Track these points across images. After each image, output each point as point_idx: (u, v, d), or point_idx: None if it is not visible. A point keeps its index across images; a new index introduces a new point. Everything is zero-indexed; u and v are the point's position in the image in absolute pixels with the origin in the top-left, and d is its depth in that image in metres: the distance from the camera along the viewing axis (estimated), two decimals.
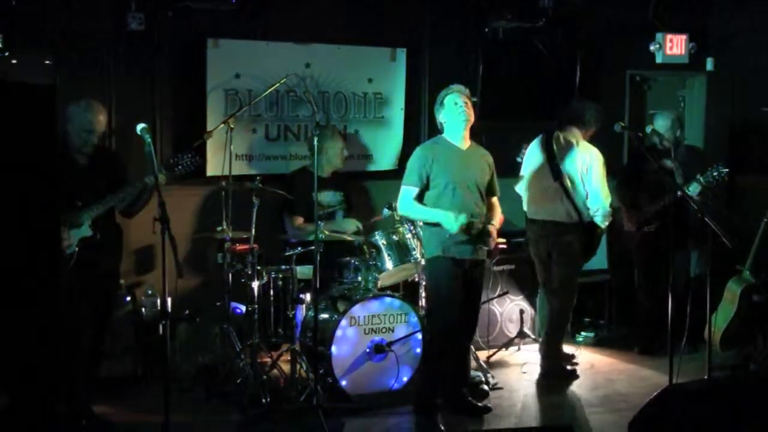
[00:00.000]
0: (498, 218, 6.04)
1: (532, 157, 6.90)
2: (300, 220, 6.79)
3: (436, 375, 5.90)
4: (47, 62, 6.50)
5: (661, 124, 7.38)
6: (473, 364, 6.54)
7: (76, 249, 5.37)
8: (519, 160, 7.21)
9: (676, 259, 6.13)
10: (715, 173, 6.91)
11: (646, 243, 7.35)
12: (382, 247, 6.36)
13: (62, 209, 5.23)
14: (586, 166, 6.62)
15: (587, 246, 6.75)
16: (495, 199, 6.07)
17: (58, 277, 4.55)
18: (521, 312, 7.54)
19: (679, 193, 6.35)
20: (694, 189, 6.84)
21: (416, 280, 6.67)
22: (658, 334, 7.29)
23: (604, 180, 6.64)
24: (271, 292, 6.47)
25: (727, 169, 6.96)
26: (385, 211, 6.59)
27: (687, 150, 7.62)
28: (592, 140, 6.84)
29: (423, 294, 6.50)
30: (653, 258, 7.33)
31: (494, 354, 7.31)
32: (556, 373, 6.83)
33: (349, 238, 6.53)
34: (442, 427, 5.57)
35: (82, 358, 5.56)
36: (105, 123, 5.79)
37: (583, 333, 7.92)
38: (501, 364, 7.16)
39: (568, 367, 6.96)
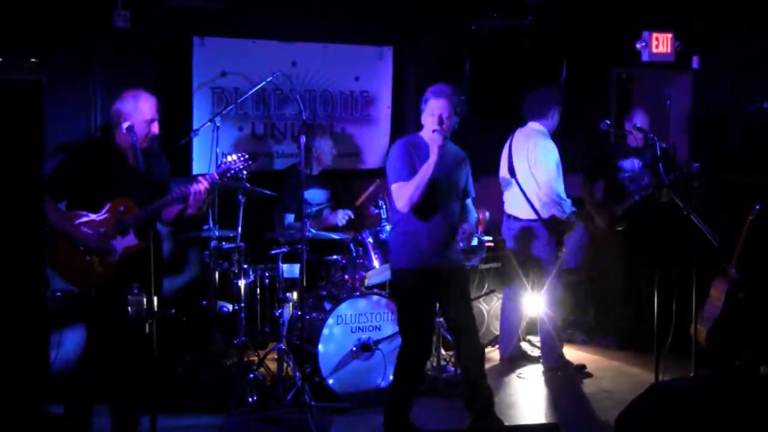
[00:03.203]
0: None
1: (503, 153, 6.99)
2: (290, 219, 6.79)
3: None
4: (33, 60, 6.47)
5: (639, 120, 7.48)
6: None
7: (117, 258, 4.96)
8: None
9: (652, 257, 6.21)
10: (684, 170, 7.07)
11: (616, 241, 7.44)
12: (369, 246, 6.35)
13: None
14: (533, 159, 6.66)
15: (556, 240, 6.76)
16: None
17: (44, 277, 4.50)
18: None
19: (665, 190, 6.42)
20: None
21: None
22: (635, 329, 7.36)
23: (551, 173, 6.66)
24: (258, 291, 6.46)
25: (697, 164, 7.07)
26: (373, 210, 6.60)
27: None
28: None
29: None
30: (625, 255, 7.43)
31: None
32: (560, 368, 6.85)
33: (337, 237, 6.53)
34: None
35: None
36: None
37: (569, 331, 7.94)
38: (487, 361, 7.16)
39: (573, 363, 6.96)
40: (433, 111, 5.26)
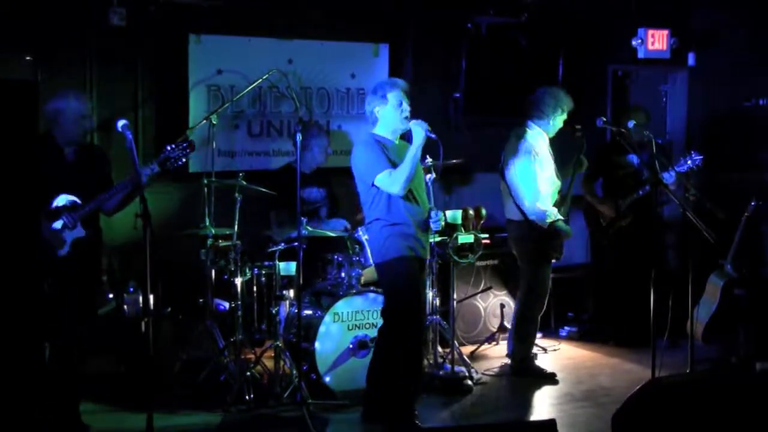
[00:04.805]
0: None
1: None
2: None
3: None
4: (28, 59, 6.46)
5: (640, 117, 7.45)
6: (456, 357, 6.56)
7: (69, 249, 5.18)
8: None
9: (651, 253, 6.20)
10: (689, 161, 7.03)
11: (620, 237, 7.44)
12: (365, 243, 6.35)
13: (54, 210, 5.14)
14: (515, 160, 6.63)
15: (545, 244, 6.68)
16: None
17: (35, 272, 4.53)
18: (502, 306, 7.56)
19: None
20: (669, 178, 6.95)
21: None
22: (634, 326, 7.36)
23: (529, 176, 6.59)
24: (255, 289, 6.45)
25: (701, 156, 7.06)
26: None
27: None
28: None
29: None
30: (626, 251, 7.43)
31: (477, 348, 7.34)
32: (522, 373, 6.74)
33: (333, 234, 6.52)
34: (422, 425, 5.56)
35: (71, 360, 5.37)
36: None
37: (566, 327, 7.96)
38: (484, 359, 7.19)
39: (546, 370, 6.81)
40: (400, 101, 5.51)
